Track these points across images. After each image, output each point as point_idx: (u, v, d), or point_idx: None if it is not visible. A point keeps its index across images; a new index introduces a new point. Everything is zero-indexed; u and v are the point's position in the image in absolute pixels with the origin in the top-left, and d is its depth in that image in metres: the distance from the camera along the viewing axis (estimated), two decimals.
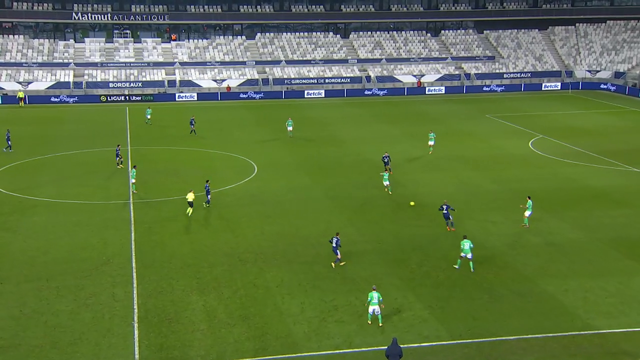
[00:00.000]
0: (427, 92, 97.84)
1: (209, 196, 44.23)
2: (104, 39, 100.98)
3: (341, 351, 27.15)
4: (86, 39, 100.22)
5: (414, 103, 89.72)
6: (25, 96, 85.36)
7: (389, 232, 40.30)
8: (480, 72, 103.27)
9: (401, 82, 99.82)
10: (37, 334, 28.17)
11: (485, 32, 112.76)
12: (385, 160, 51.96)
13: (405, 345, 26.30)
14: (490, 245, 38.01)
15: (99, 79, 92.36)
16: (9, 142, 59.25)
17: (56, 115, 78.41)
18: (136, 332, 28.45)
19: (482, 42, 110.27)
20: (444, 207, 40.38)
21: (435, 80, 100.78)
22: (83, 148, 61.39)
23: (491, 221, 42.08)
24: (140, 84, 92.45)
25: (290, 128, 66.82)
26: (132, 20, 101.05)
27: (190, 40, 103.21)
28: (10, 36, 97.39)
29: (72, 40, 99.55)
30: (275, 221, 42.17)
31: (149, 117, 73.21)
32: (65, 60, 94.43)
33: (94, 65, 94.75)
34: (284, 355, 26.87)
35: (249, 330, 28.72)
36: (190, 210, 42.62)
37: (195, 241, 38.74)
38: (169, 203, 45.64)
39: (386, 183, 47.43)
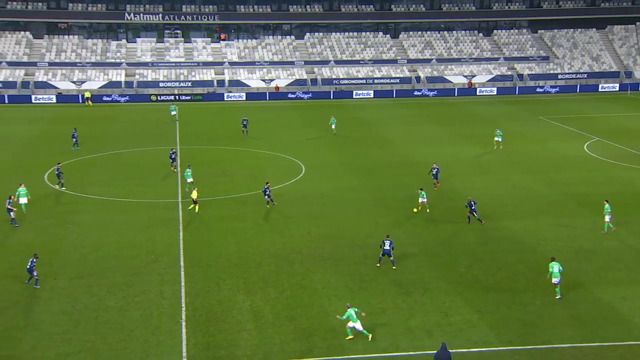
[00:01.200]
0: (478, 93, 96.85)
1: (268, 197, 44.65)
2: (155, 39, 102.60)
3: (388, 354, 27.05)
4: (138, 39, 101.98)
5: (465, 104, 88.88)
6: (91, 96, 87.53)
7: (437, 235, 40.01)
8: (533, 72, 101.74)
9: (451, 82, 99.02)
10: (88, 330, 28.78)
11: (539, 31, 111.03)
12: (434, 173, 48.97)
13: (454, 350, 26.07)
14: (542, 250, 37.37)
15: (149, 79, 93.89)
16: (75, 140, 60.99)
17: (108, 115, 79.93)
18: (184, 330, 28.82)
19: (536, 42, 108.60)
20: (471, 203, 41.40)
21: (487, 81, 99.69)
22: (134, 147, 62.44)
23: (543, 225, 41.40)
24: (189, 84, 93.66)
25: (333, 126, 67.10)
26: (182, 20, 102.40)
27: (240, 40, 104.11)
28: (66, 36, 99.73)
29: (124, 40, 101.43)
30: (322, 222, 42.24)
31: (173, 113, 74.79)
32: (118, 60, 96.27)
33: (145, 65, 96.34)
34: (330, 357, 26.87)
35: (296, 331, 28.82)
36: (195, 206, 43.34)
37: (242, 241, 39.04)
38: (217, 203, 46.11)
39: (423, 200, 43.64)
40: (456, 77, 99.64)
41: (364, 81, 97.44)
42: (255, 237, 39.77)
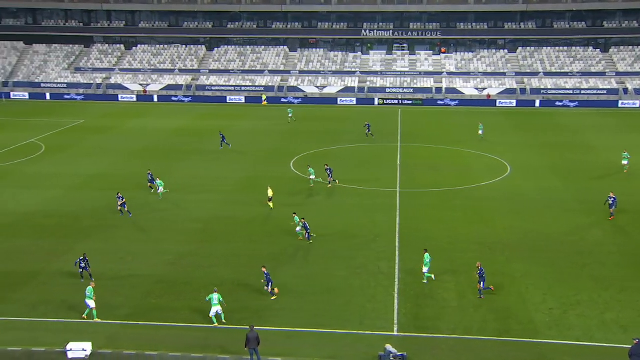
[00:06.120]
0: None
1: (307, 233, 36.65)
2: (385, 51, 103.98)
3: (581, 343, 25.14)
4: (371, 52, 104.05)
5: None
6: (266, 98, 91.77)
7: (637, 238, 36.29)
8: None
9: None
10: (318, 292, 30.00)
11: None
12: (610, 202, 39.78)
13: None
14: None
15: (378, 85, 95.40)
16: (370, 131, 64.26)
17: (342, 115, 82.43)
18: (396, 301, 29.00)
19: None
20: (610, 198, 39.19)
21: None
22: (361, 142, 63.82)
23: None
24: (412, 90, 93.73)
25: (480, 132, 64.17)
26: (409, 35, 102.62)
27: (458, 53, 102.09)
28: (313, 49, 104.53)
29: (359, 53, 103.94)
30: (524, 217, 40.22)
31: (290, 115, 75.31)
32: (353, 69, 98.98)
33: (375, 73, 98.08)
34: (524, 339, 25.61)
35: (494, 312, 27.80)
36: (271, 203, 41.86)
37: (451, 229, 38.38)
38: (429, 194, 45.73)
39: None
40: None
41: (571, 92, 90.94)
42: (462, 226, 38.90)
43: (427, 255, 30.95)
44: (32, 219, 40.10)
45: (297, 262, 33.46)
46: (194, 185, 47.81)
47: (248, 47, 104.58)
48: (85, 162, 54.79)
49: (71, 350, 24.34)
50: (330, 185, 46.99)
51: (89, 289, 27.34)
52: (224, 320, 27.16)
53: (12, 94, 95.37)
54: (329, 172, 47.34)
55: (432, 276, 31.03)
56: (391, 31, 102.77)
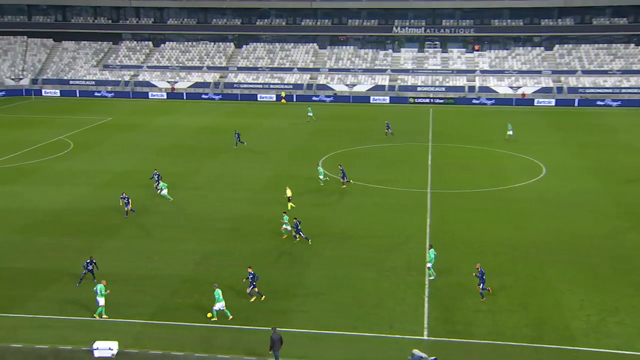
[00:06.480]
0: None
1: (298, 233, 36.35)
2: (416, 49, 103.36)
3: (621, 352, 24.63)
4: (402, 49, 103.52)
5: None
6: (285, 96, 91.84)
7: None
8: None
9: None
10: (346, 294, 29.91)
11: None
12: None
13: None
14: None
15: (409, 83, 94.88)
16: (390, 130, 64.77)
17: (373, 113, 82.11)
18: (426, 304, 28.77)
19: None
20: None
21: None
22: (391, 142, 63.52)
23: None
24: (443, 89, 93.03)
25: (510, 132, 63.27)
26: (442, 33, 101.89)
27: (492, 51, 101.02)
28: (343, 47, 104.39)
29: (390, 50, 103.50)
30: (560, 220, 39.60)
31: (310, 114, 74.95)
32: (383, 67, 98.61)
33: (406, 71, 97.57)
34: (560, 346, 25.18)
35: (527, 318, 27.41)
36: (289, 204, 41.68)
37: (482, 231, 37.98)
38: (461, 195, 45.31)
39: None
40: None
41: (611, 90, 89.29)
42: (493, 228, 38.47)
43: (432, 251, 31.73)
44: (60, 216, 40.76)
45: (324, 263, 33.42)
46: (222, 184, 48.11)
47: (277, 44, 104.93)
48: (113, 160, 55.54)
49: (97, 349, 24.67)
50: (344, 186, 46.72)
51: (101, 287, 27.66)
52: (230, 317, 27.34)
53: (43, 91, 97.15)
54: (342, 173, 47.10)
55: (433, 274, 31.53)
56: (423, 28, 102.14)
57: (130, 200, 40.69)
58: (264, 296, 29.21)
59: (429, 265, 31.54)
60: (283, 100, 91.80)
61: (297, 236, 36.17)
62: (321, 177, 47.31)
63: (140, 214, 40.89)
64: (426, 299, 29.25)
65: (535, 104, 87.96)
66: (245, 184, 47.90)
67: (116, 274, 31.66)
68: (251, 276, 29.11)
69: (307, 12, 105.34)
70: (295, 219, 36.51)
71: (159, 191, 44.51)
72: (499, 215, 40.81)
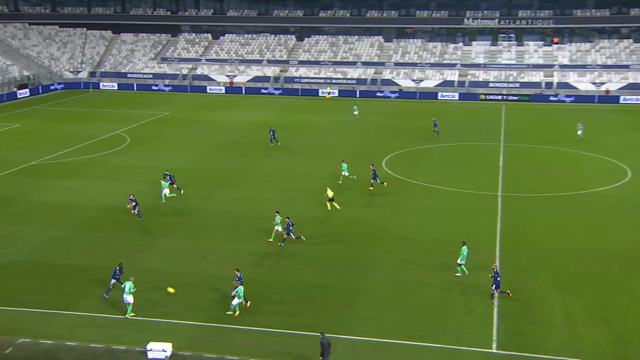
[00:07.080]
0: None
1: (288, 234, 36.19)
2: (489, 42, 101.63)
3: None
4: (473, 42, 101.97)
5: None
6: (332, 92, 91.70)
7: None
8: None
9: None
10: (410, 301, 29.61)
11: None
12: None
13: None
14: None
15: (480, 79, 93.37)
16: (437, 128, 63.89)
17: (440, 110, 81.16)
18: (496, 315, 28.20)
19: None
20: None
21: None
22: (461, 141, 62.63)
23: None
24: (518, 85, 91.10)
25: (580, 132, 61.23)
26: (517, 24, 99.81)
27: (572, 44, 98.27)
28: (410, 40, 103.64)
29: (460, 44, 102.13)
30: None
31: (355, 112, 74.39)
32: (453, 62, 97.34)
33: (477, 66, 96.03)
34: None
35: (609, 334, 26.47)
36: (330, 205, 41.14)
37: (559, 238, 36.94)
38: (535, 199, 44.22)
39: None
40: None
41: None
42: (571, 236, 37.36)
43: (464, 248, 31.90)
44: (115, 212, 41.92)
45: (387, 268, 33.20)
46: (280, 182, 48.46)
47: (340, 36, 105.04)
48: (168, 155, 56.77)
49: (151, 350, 25.20)
50: (371, 187, 46.05)
51: (130, 284, 28.19)
52: (237, 311, 28.03)
53: (101, 84, 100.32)
54: (373, 173, 46.46)
55: (466, 271, 31.78)
56: (497, 20, 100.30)
57: (137, 203, 40.73)
58: (249, 302, 28.91)
59: (460, 262, 31.87)
60: (328, 96, 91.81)
61: (287, 237, 35.87)
62: (345, 173, 47.08)
63: (193, 212, 41.63)
64: (496, 310, 28.65)
65: (621, 101, 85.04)
66: (305, 183, 48.05)
67: (170, 273, 32.31)
68: (238, 278, 29.01)
69: (373, 3, 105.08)
70: (288, 219, 36.22)
71: (177, 194, 44.43)
72: (577, 222, 39.63)
